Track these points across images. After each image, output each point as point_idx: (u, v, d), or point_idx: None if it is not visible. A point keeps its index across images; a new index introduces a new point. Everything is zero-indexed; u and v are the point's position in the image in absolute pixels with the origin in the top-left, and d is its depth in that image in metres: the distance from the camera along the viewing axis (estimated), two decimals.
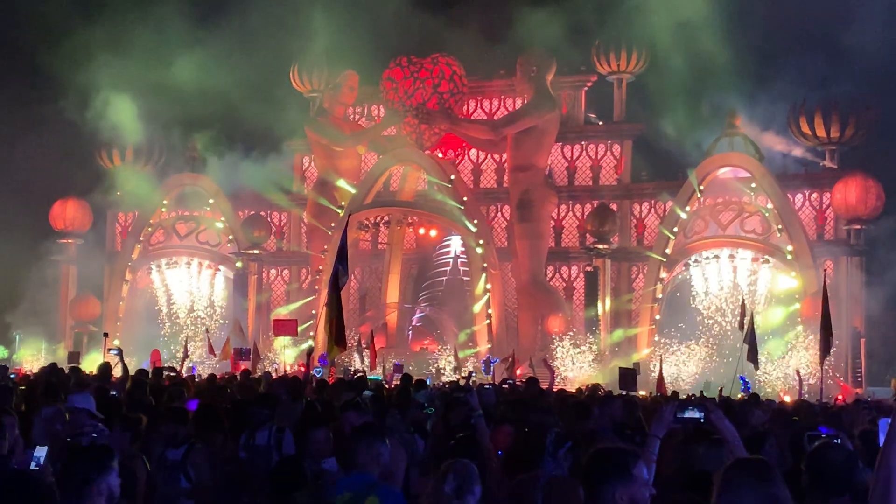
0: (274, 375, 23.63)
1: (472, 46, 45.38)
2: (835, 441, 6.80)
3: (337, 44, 45.37)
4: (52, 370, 16.95)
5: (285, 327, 37.79)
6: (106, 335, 27.27)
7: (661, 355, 36.55)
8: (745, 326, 29.84)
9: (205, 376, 25.03)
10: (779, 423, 11.61)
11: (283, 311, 45.13)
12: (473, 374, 29.75)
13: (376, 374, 33.01)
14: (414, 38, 45.57)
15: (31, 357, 44.49)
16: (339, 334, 16.42)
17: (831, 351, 32.58)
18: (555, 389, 24.35)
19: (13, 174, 48.37)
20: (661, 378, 29.73)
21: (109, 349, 22.09)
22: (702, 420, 6.43)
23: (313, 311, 44.30)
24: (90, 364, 31.74)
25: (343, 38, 44.97)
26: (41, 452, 7.95)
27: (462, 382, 21.91)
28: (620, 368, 23.81)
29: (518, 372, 36.26)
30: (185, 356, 34.92)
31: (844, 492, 6.10)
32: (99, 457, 6.24)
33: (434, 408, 13.37)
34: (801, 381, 30.45)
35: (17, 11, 47.23)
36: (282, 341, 41.23)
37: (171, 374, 21.46)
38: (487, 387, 20.23)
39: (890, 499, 3.36)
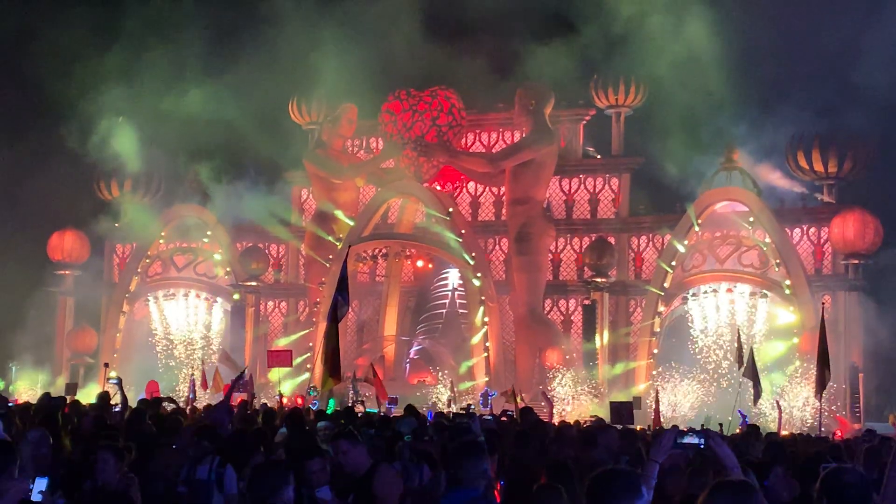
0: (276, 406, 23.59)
1: (471, 79, 45.61)
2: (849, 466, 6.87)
3: (336, 76, 45.57)
4: (47, 399, 16.93)
5: (279, 358, 37.65)
6: (106, 365, 27.32)
7: (657, 389, 36.52)
8: (745, 361, 29.83)
9: (200, 408, 24.97)
10: (777, 455, 11.67)
11: (280, 343, 45.06)
12: (472, 407, 29.75)
13: (372, 408, 32.93)
14: (412, 71, 45.77)
15: (27, 388, 44.35)
16: (335, 366, 16.42)
17: (829, 386, 32.78)
18: (556, 422, 24.36)
19: (12, 204, 48.49)
20: (657, 412, 29.74)
21: (108, 378, 22.13)
22: (701, 446, 6.49)
23: (310, 344, 44.28)
24: (88, 395, 31.72)
25: (342, 71, 45.19)
26: (41, 484, 7.98)
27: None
28: (612, 403, 23.88)
29: (519, 404, 36.24)
30: (193, 389, 35.12)
31: None
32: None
33: (421, 436, 13.33)
34: (780, 413, 30.31)
35: (21, 40, 47.29)
36: (278, 373, 41.13)
37: (171, 404, 21.45)
38: (488, 418, 20.30)
39: None
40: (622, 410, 21.24)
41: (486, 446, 8.56)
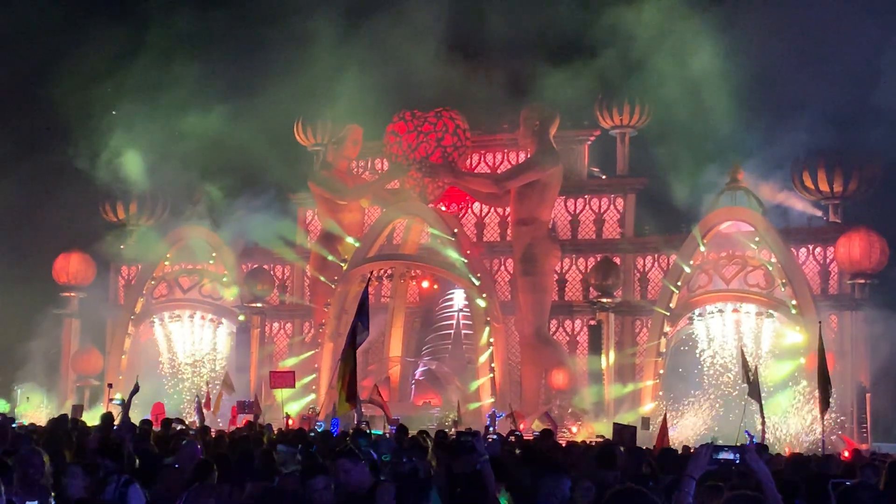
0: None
1: (476, 101, 45.70)
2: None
3: (341, 98, 45.71)
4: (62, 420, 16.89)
5: (283, 379, 37.70)
6: (110, 385, 27.32)
7: (664, 409, 36.39)
8: (751, 381, 29.70)
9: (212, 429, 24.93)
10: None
11: (286, 364, 45.05)
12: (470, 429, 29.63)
13: (377, 430, 32.84)
14: (417, 93, 45.85)
15: (33, 411, 44.31)
16: (352, 391, 16.32)
17: (835, 405, 32.63)
18: (563, 443, 24.24)
19: (18, 226, 48.56)
20: (662, 432, 29.48)
21: (111, 399, 22.13)
22: (737, 461, 6.54)
23: (316, 365, 44.32)
24: (94, 417, 31.65)
25: (347, 93, 45.32)
26: None
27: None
28: (615, 424, 23.78)
29: (521, 426, 36.16)
30: (200, 411, 35.14)
31: None
32: None
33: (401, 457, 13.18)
34: (763, 431, 30.15)
35: (29, 62, 47.46)
36: (281, 395, 41.10)
37: (181, 426, 21.40)
38: (493, 437, 20.22)
39: None
40: (624, 433, 21.11)
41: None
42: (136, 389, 16.48)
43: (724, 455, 6.60)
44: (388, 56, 44.84)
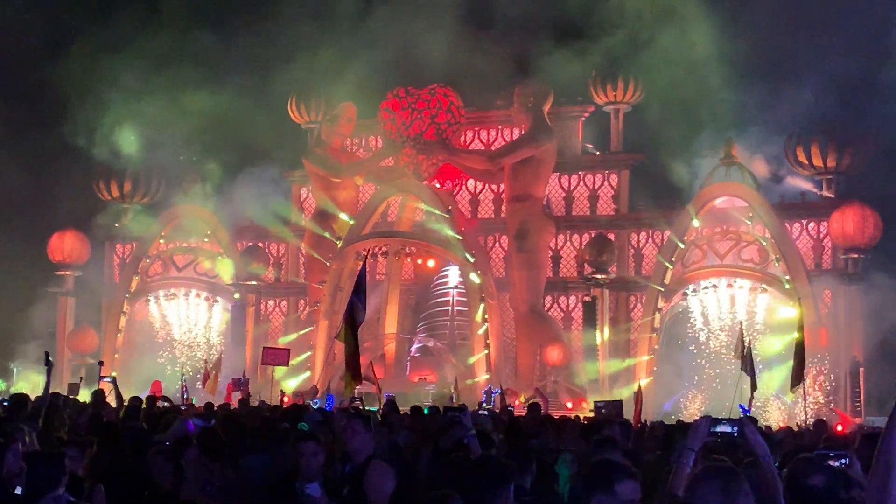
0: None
1: (470, 77, 45.63)
2: (823, 462, 6.80)
3: (335, 75, 45.60)
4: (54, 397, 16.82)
5: (276, 356, 37.72)
6: (101, 363, 27.29)
7: (640, 385, 36.45)
8: (744, 356, 29.72)
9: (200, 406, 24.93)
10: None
11: (281, 342, 45.14)
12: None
13: (373, 406, 32.89)
14: (411, 70, 45.74)
15: (29, 389, 44.22)
16: (356, 369, 16.34)
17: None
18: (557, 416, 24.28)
19: (12, 205, 48.50)
20: (638, 407, 29.33)
21: (103, 377, 22.13)
22: (735, 434, 6.59)
23: (311, 343, 44.38)
24: (89, 395, 31.72)
25: (341, 69, 45.23)
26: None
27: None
28: (596, 402, 23.85)
29: (516, 403, 36.30)
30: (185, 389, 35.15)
31: None
32: None
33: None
34: (751, 404, 30.20)
35: (20, 40, 47.22)
36: (274, 372, 41.16)
37: (166, 403, 21.39)
38: (484, 413, 20.24)
39: (890, 481, 3.32)
40: (609, 409, 21.21)
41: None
42: (48, 363, 16.39)
43: (721, 428, 6.65)
44: (383, 33, 44.76)
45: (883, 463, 3.31)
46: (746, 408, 28.20)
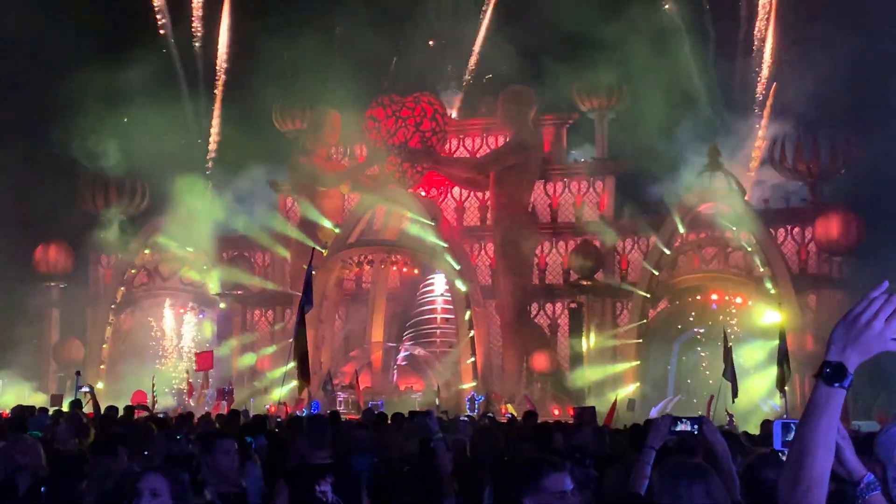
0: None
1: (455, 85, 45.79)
2: (779, 458, 6.85)
3: (319, 83, 45.64)
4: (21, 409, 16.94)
5: (203, 361, 38.65)
6: (78, 373, 27.30)
7: (616, 391, 36.54)
8: (725, 362, 29.88)
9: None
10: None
11: (268, 351, 45.37)
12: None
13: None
14: (395, 78, 45.92)
15: (15, 401, 44.17)
16: (304, 370, 16.44)
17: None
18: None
19: None
20: (611, 412, 29.42)
21: (80, 387, 22.20)
22: (695, 433, 6.73)
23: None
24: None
25: (325, 77, 45.27)
26: None
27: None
28: (575, 409, 23.96)
29: (503, 409, 36.35)
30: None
31: None
32: None
33: None
34: (708, 407, 30.39)
35: (6, 48, 47.06)
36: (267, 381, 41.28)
37: (143, 412, 21.47)
38: (464, 418, 20.28)
39: (799, 483, 3.38)
40: (584, 415, 21.24)
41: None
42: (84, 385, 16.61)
43: (681, 426, 6.75)
44: (366, 42, 44.84)
45: (796, 450, 3.37)
46: (733, 413, 28.34)
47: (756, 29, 47.70)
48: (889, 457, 4.79)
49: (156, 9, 53.03)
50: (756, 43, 47.77)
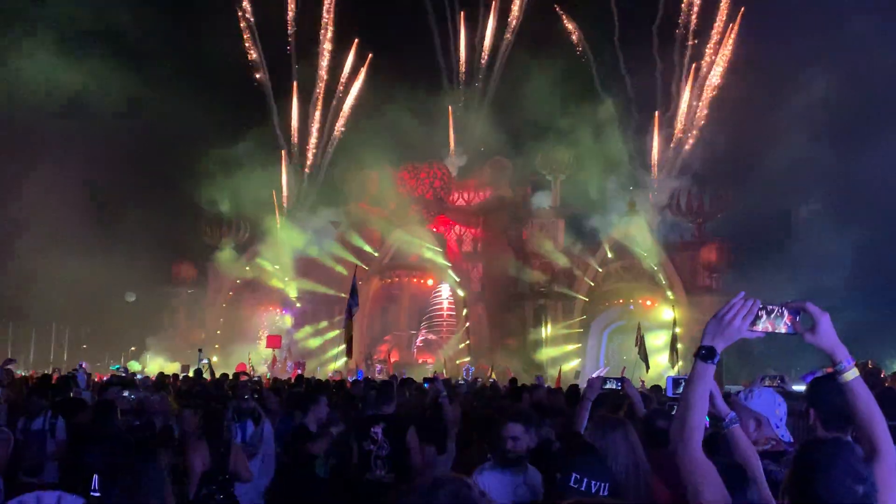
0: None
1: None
2: (669, 411, 6.67)
3: (367, 151, 45.51)
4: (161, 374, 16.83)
5: (272, 341, 38.60)
6: (200, 350, 27.27)
7: (560, 365, 36.24)
8: (639, 346, 29.86)
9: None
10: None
11: (328, 336, 45.36)
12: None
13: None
14: (417, 147, 45.84)
15: (158, 368, 44.05)
16: (349, 348, 16.58)
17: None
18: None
19: (156, 247, 48.31)
20: (558, 378, 29.40)
21: (201, 360, 22.17)
22: (619, 389, 6.72)
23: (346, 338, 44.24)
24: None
25: (369, 146, 45.27)
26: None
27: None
28: (537, 376, 23.96)
29: (489, 375, 36.19)
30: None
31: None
32: None
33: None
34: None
35: (163, 129, 46.42)
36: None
37: (245, 377, 21.32)
38: (461, 382, 20.19)
39: (685, 428, 3.36)
40: (539, 380, 21.20)
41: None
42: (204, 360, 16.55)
43: (609, 385, 6.72)
44: (398, 121, 44.54)
45: (682, 406, 3.37)
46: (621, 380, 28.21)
47: (668, 111, 47.68)
48: (770, 412, 4.80)
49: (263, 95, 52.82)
50: (666, 122, 47.78)
